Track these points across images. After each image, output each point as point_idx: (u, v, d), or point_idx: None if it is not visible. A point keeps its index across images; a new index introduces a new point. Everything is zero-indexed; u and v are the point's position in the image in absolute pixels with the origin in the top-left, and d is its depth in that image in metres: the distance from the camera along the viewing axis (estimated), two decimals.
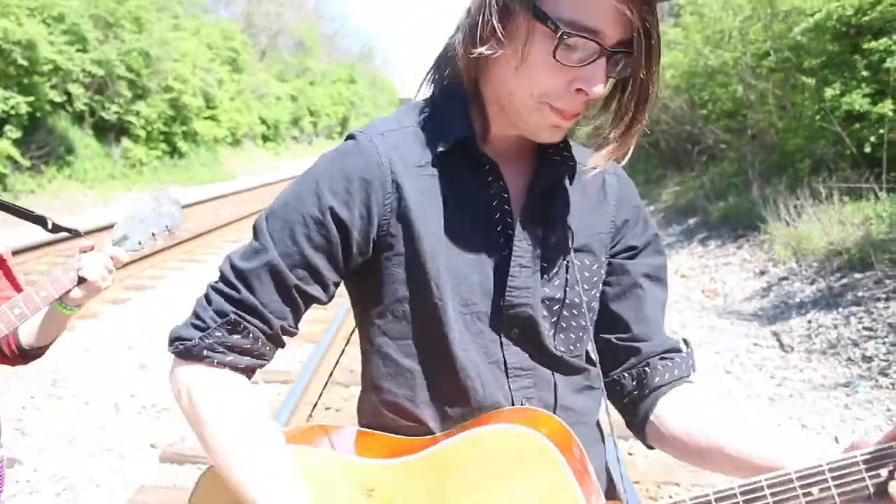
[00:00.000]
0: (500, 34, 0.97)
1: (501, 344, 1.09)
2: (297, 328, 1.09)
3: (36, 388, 5.00)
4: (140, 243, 1.78)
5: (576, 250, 1.12)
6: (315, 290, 1.06)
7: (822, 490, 0.90)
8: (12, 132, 16.52)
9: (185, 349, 1.04)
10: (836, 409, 4.91)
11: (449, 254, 1.06)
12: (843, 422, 4.67)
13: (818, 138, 10.00)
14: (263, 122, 36.05)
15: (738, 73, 11.94)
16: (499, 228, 1.08)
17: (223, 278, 1.06)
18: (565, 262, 1.11)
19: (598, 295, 1.17)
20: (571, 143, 1.14)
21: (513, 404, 1.09)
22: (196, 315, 1.05)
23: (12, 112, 16.43)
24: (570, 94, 0.99)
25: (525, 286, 1.08)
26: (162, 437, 4.27)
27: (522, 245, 1.08)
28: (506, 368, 1.10)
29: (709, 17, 12.31)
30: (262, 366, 1.08)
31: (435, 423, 1.09)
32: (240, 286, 1.04)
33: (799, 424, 4.66)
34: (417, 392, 1.09)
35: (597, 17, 0.94)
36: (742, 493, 0.91)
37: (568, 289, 1.11)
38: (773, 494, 0.91)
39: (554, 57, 0.96)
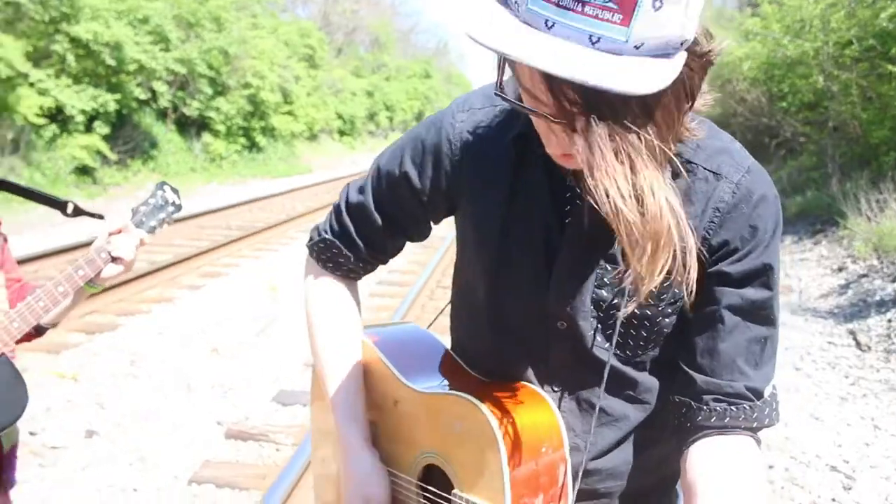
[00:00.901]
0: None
1: (546, 333, 1.12)
2: (384, 258, 1.30)
3: (115, 368, 5.27)
4: (153, 227, 1.89)
5: None
6: (396, 231, 1.25)
7: None
8: (101, 128, 17.33)
9: (308, 245, 1.32)
10: None
11: (504, 238, 1.11)
12: None
13: None
14: (340, 117, 36.66)
15: (819, 64, 11.50)
16: (562, 220, 1.07)
17: (339, 202, 1.28)
18: (626, 268, 1.00)
19: (670, 311, 1.08)
20: (708, 142, 1.04)
21: (540, 385, 1.14)
22: (323, 222, 1.30)
23: (101, 109, 17.23)
24: None
25: (570, 284, 1.08)
26: (228, 415, 4.45)
27: (574, 241, 1.07)
28: (546, 356, 1.13)
29: (788, 6, 11.90)
30: (360, 275, 1.31)
31: (475, 372, 1.24)
32: (344, 214, 1.26)
33: (872, 426, 4.49)
34: (464, 331, 1.28)
35: (530, 91, 0.89)
36: None
37: (625, 298, 1.04)
38: None
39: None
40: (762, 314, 1.06)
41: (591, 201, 0.86)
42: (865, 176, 9.73)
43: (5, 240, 1.83)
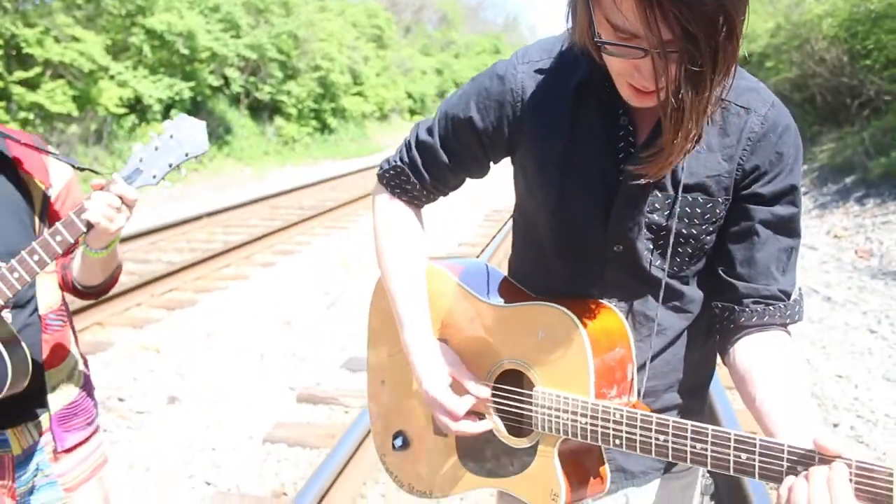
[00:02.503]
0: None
1: (604, 256, 1.28)
2: (445, 190, 1.44)
3: (194, 341, 5.55)
4: (154, 177, 1.58)
5: (687, 188, 1.21)
6: (458, 168, 1.39)
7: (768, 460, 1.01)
8: (177, 115, 17.91)
9: (379, 173, 1.45)
10: None
11: (567, 172, 1.26)
12: None
13: None
14: (409, 96, 36.84)
15: None
16: (619, 155, 1.23)
17: (409, 139, 1.42)
18: (675, 196, 1.21)
19: (711, 230, 1.24)
20: (742, 80, 1.20)
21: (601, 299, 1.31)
22: (394, 154, 1.44)
23: (177, 98, 17.84)
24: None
25: (630, 210, 1.23)
26: (300, 381, 4.65)
27: (633, 174, 1.19)
28: (602, 276, 1.30)
29: None
30: (423, 203, 1.46)
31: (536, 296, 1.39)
32: (413, 149, 1.40)
33: None
34: (529, 261, 1.41)
35: (632, 24, 0.99)
36: (735, 439, 1.03)
37: (674, 220, 1.22)
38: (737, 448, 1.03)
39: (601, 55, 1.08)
40: (790, 227, 1.24)
41: (665, 121, 1.06)
42: None
43: (55, 200, 1.75)
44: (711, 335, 1.33)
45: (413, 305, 1.38)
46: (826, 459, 0.96)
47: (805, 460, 0.98)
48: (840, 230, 9.16)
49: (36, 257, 1.55)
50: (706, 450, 1.06)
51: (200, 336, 5.64)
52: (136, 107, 16.99)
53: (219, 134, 19.75)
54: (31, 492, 1.74)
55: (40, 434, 1.74)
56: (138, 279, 6.78)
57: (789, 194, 1.21)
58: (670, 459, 1.10)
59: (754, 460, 1.01)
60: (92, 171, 1.73)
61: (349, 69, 27.39)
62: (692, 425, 1.07)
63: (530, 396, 1.26)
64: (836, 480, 0.93)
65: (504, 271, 1.50)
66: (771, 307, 1.24)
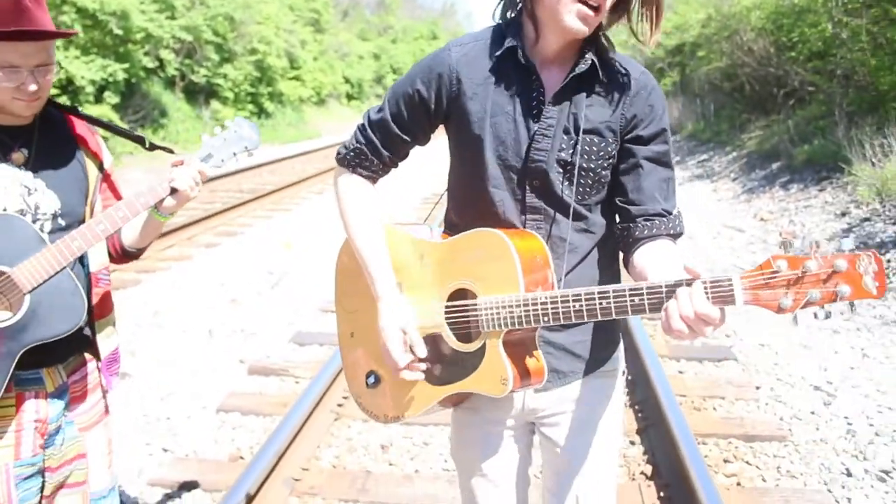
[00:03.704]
0: None
1: (524, 189, 1.59)
2: (398, 161, 1.73)
3: (141, 319, 5.56)
4: (223, 161, 1.97)
5: (586, 131, 1.55)
6: (409, 137, 1.67)
7: (641, 297, 1.38)
8: (111, 98, 17.51)
9: (338, 157, 1.73)
10: None
11: (494, 125, 1.57)
12: None
13: None
14: (347, 81, 36.63)
15: (828, 11, 11.45)
16: (532, 111, 1.56)
17: (363, 122, 1.70)
18: (577, 138, 1.55)
19: (606, 165, 1.59)
20: (618, 55, 1.57)
21: (524, 227, 1.61)
22: (350, 139, 1.71)
23: (110, 79, 17.40)
24: None
25: (543, 149, 1.56)
26: (250, 355, 4.73)
27: (546, 122, 1.56)
28: (524, 205, 1.60)
29: None
30: (377, 178, 1.73)
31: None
32: (369, 130, 1.68)
33: (860, 354, 4.68)
34: (466, 207, 1.67)
35: None
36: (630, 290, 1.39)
37: (577, 157, 1.55)
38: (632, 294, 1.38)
39: None
40: (665, 161, 1.61)
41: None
42: (871, 123, 9.78)
43: (106, 178, 2.03)
44: (615, 259, 1.69)
45: (378, 262, 1.66)
46: (689, 283, 1.30)
47: (676, 288, 1.32)
48: (766, 213, 9.62)
49: (120, 213, 1.82)
50: (610, 303, 1.38)
51: (147, 314, 5.65)
52: (68, 88, 16.51)
53: (153, 117, 19.35)
54: (56, 431, 1.89)
55: (69, 375, 1.91)
56: None
57: (662, 135, 1.59)
58: (586, 320, 1.42)
59: (643, 300, 1.35)
60: (164, 149, 2.05)
61: (286, 53, 27.09)
62: (597, 289, 1.39)
63: (475, 305, 1.53)
64: (694, 293, 1.28)
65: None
66: (657, 221, 1.58)
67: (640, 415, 3.68)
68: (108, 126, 2.04)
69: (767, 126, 13.90)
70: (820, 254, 1.24)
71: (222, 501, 2.76)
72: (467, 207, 1.67)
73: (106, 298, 1.98)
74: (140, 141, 2.04)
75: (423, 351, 1.59)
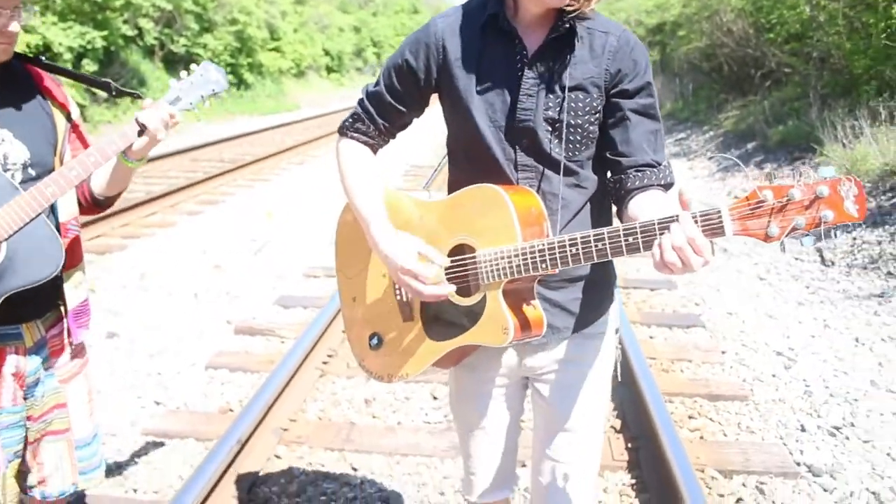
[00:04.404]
0: None
1: (515, 148, 1.66)
2: (394, 131, 1.81)
3: (127, 281, 5.66)
4: (191, 103, 1.97)
5: (570, 88, 1.61)
6: (402, 107, 1.76)
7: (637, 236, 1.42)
8: (89, 66, 17.31)
9: (339, 128, 1.83)
10: (864, 315, 5.10)
11: (481, 88, 1.65)
12: (868, 325, 4.86)
13: (886, 59, 9.80)
14: (327, 53, 36.38)
15: None
16: (517, 73, 1.63)
17: (361, 97, 1.80)
18: (562, 96, 1.61)
19: (593, 121, 1.64)
20: (598, 16, 1.64)
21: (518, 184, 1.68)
22: (350, 114, 1.81)
23: (89, 47, 17.20)
24: None
25: (528, 109, 1.63)
26: (236, 316, 4.86)
27: (529, 82, 1.62)
28: (516, 163, 1.67)
29: None
30: (376, 147, 1.82)
31: None
32: (365, 101, 1.79)
33: (822, 325, 4.90)
34: (464, 169, 1.76)
35: None
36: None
37: (564, 114, 1.61)
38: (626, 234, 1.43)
39: None
40: (651, 113, 1.66)
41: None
42: (844, 105, 10.01)
43: (74, 128, 2.03)
44: (609, 214, 1.76)
45: (374, 208, 1.70)
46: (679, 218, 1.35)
47: (669, 223, 1.37)
48: (740, 192, 9.84)
49: (92, 158, 1.83)
50: (605, 245, 1.43)
51: (133, 278, 5.74)
52: (45, 55, 16.30)
53: (132, 86, 19.13)
54: (36, 383, 1.96)
55: (47, 330, 1.96)
56: None
57: (647, 89, 1.65)
58: (583, 262, 1.46)
59: (638, 239, 1.40)
60: (131, 94, 2.06)
61: (266, 24, 26.87)
62: (592, 232, 1.44)
63: (474, 259, 1.60)
64: (685, 222, 1.34)
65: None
66: (647, 172, 1.64)
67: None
68: (71, 73, 2.04)
69: (744, 106, 14.12)
70: (803, 181, 1.28)
71: (215, 447, 2.90)
72: (464, 168, 1.75)
73: (75, 248, 1.98)
74: (105, 87, 2.04)
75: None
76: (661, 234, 1.36)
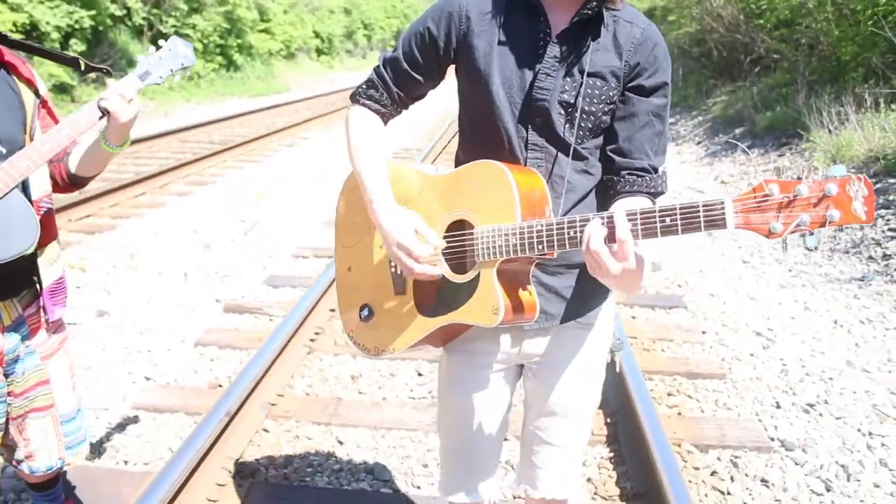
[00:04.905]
0: None
1: (527, 127, 1.63)
2: (408, 101, 1.78)
3: (117, 260, 5.70)
4: (161, 77, 2.01)
5: (589, 74, 1.58)
6: (418, 75, 1.72)
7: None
8: (77, 45, 17.20)
9: (352, 94, 1.79)
10: (844, 298, 5.20)
11: (500, 62, 1.62)
12: (848, 308, 4.96)
13: (873, 46, 9.88)
14: (317, 35, 36.15)
15: None
16: (538, 49, 1.60)
17: (378, 64, 1.76)
18: (580, 80, 1.58)
19: (607, 110, 1.61)
20: (625, 5, 1.61)
21: (525, 164, 1.65)
22: (364, 79, 1.78)
23: (76, 26, 17.07)
24: None
25: (545, 88, 1.60)
26: (225, 295, 4.92)
27: (550, 62, 1.59)
28: (527, 142, 1.64)
29: None
30: (388, 116, 1.78)
31: None
32: (381, 68, 1.75)
33: (803, 307, 5.00)
34: (473, 144, 1.72)
35: None
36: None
37: (580, 98, 1.59)
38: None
39: None
40: (662, 115, 1.63)
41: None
42: (831, 91, 10.10)
43: (44, 104, 2.00)
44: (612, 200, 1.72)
45: (378, 179, 1.68)
46: (673, 209, 1.34)
47: (667, 216, 1.34)
48: (727, 177, 9.94)
49: (63, 133, 1.86)
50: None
51: (123, 257, 5.78)
52: (33, 34, 16.17)
53: (120, 66, 19.01)
54: (15, 361, 2.01)
55: (24, 309, 2.01)
56: None
57: (663, 88, 1.62)
58: (580, 247, 1.42)
59: (637, 226, 1.37)
60: (101, 69, 2.06)
61: (256, 5, 26.69)
62: (591, 216, 1.42)
63: (472, 235, 1.58)
64: (621, 225, 1.36)
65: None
66: (640, 178, 1.62)
67: None
68: (38, 50, 2.05)
69: (733, 92, 14.18)
70: (811, 178, 1.24)
71: (204, 420, 2.96)
72: (474, 144, 1.71)
73: (49, 225, 1.98)
74: (74, 63, 2.04)
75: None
76: (660, 221, 1.35)
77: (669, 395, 3.61)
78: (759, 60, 14.00)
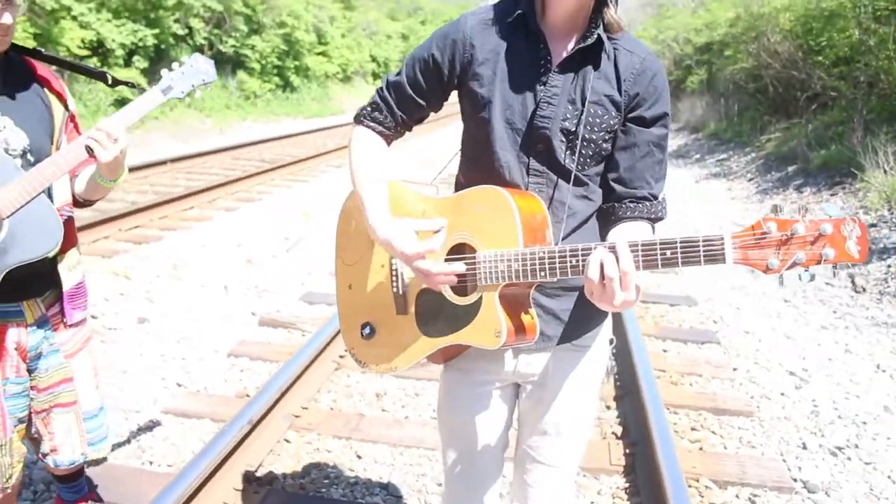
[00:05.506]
0: None
1: (529, 153, 1.66)
2: (410, 123, 1.81)
3: (161, 270, 5.88)
4: (183, 92, 2.05)
5: (590, 102, 1.61)
6: (421, 100, 1.76)
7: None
8: (140, 62, 17.85)
9: (356, 115, 1.82)
10: (890, 343, 5.04)
11: (503, 89, 1.65)
12: (892, 353, 4.83)
13: None
14: (374, 59, 36.76)
15: (856, 17, 11.51)
16: (540, 77, 1.63)
17: (381, 85, 1.81)
18: (581, 108, 1.62)
19: (607, 138, 1.65)
20: (626, 34, 1.65)
21: (527, 189, 1.68)
22: (368, 101, 1.81)
23: (140, 44, 17.73)
24: None
25: (547, 116, 1.63)
26: (262, 309, 5.03)
27: (551, 90, 1.62)
28: (528, 168, 1.67)
29: None
30: (391, 138, 1.81)
31: None
32: (384, 90, 1.79)
33: (843, 349, 4.87)
34: (474, 168, 1.75)
35: None
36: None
37: (581, 126, 1.62)
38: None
39: None
40: (662, 145, 1.67)
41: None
42: (888, 131, 9.89)
43: (72, 118, 2.14)
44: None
45: (376, 197, 1.70)
46: (676, 241, 1.37)
47: (668, 249, 1.38)
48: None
49: (56, 164, 1.90)
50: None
51: (167, 267, 5.96)
52: (99, 50, 16.85)
53: None
54: (38, 357, 2.11)
55: (47, 308, 2.10)
56: (102, 215, 7.03)
57: (663, 119, 1.66)
58: (570, 276, 1.47)
59: (638, 258, 1.39)
60: (128, 84, 2.15)
61: (314, 28, 27.29)
62: (580, 247, 1.45)
63: (474, 259, 1.59)
64: (623, 255, 1.39)
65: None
66: (640, 205, 1.67)
67: (618, 384, 3.93)
68: (68, 64, 2.13)
69: (787, 129, 13.98)
70: (808, 218, 1.28)
71: (226, 425, 3.04)
72: (475, 168, 1.73)
73: (69, 233, 2.04)
74: (103, 78, 2.11)
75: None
76: (661, 254, 1.38)
77: (693, 429, 3.56)
78: (816, 98, 13.78)
